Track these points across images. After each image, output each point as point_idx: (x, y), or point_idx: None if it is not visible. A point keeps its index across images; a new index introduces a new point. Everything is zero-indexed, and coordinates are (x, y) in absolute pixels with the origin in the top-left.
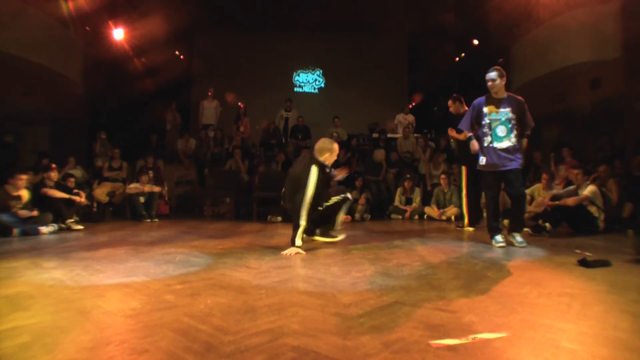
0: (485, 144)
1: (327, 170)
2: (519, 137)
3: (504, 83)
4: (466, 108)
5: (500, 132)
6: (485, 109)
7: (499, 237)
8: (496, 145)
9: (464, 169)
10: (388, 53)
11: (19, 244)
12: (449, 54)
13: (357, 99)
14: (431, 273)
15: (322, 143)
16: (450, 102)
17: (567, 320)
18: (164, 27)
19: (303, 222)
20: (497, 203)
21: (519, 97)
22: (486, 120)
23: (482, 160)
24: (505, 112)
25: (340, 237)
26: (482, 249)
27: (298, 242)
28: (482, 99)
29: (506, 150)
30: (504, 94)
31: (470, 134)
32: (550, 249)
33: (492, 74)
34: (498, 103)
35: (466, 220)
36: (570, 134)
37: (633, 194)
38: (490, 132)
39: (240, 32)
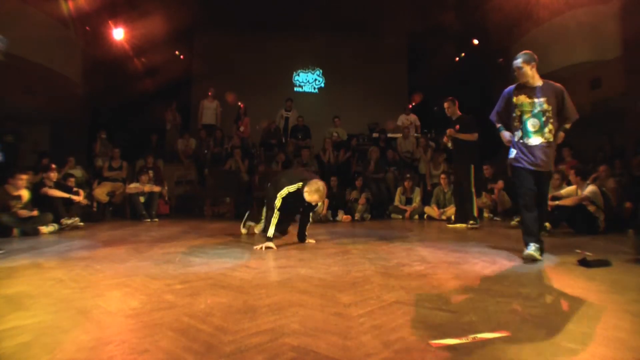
0: (516, 139)
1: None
2: (556, 131)
3: (534, 68)
4: (459, 113)
5: (532, 127)
6: (515, 99)
7: (533, 247)
8: (527, 141)
9: (472, 167)
10: (388, 53)
11: (19, 244)
12: (449, 54)
13: (357, 98)
14: (431, 273)
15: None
16: (447, 104)
17: (567, 320)
18: (164, 27)
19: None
20: (533, 201)
21: (557, 85)
22: (516, 112)
23: (512, 152)
24: (539, 102)
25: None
26: (482, 249)
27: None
28: (512, 87)
29: (538, 147)
30: (538, 82)
31: (499, 125)
32: (550, 249)
33: (517, 61)
34: (530, 92)
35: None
36: (570, 134)
37: (633, 194)
38: (520, 126)
39: (240, 32)
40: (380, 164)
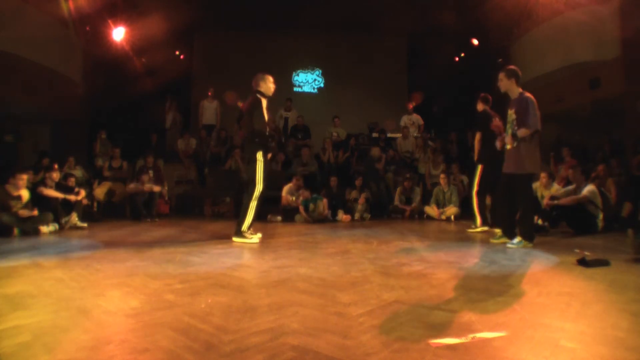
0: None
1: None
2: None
3: (509, 82)
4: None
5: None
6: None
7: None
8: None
9: (479, 167)
10: (388, 53)
11: (19, 244)
12: (448, 53)
13: (357, 98)
14: (431, 273)
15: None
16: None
17: (566, 319)
18: (164, 27)
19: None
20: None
21: (527, 95)
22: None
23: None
24: (511, 113)
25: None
26: (481, 248)
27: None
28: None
29: (508, 152)
30: (514, 95)
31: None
32: (549, 248)
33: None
34: (511, 104)
35: (479, 221)
36: (570, 134)
37: (632, 193)
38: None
39: (240, 32)
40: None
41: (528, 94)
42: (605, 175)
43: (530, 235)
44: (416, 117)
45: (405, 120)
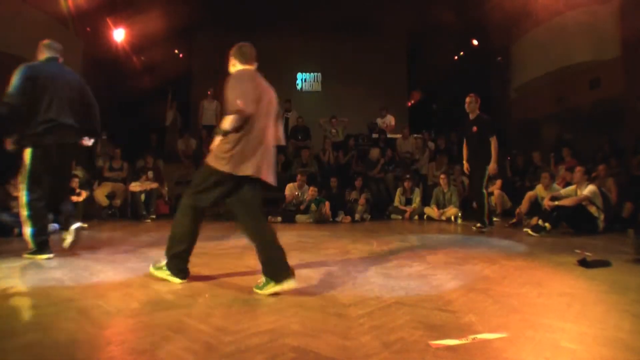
0: None
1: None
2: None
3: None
4: (478, 111)
5: None
6: None
7: None
8: None
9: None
10: (388, 53)
11: (19, 244)
12: (448, 53)
13: (357, 99)
14: (431, 273)
15: None
16: (469, 99)
17: (567, 320)
18: (163, 27)
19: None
20: None
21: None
22: None
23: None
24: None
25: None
26: (481, 249)
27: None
28: None
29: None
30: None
31: None
32: (550, 249)
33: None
34: None
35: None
36: (570, 134)
37: (633, 193)
38: None
39: (240, 32)
40: (383, 164)
41: (240, 71)
42: (606, 175)
43: (283, 272)
44: (389, 119)
45: (379, 123)
